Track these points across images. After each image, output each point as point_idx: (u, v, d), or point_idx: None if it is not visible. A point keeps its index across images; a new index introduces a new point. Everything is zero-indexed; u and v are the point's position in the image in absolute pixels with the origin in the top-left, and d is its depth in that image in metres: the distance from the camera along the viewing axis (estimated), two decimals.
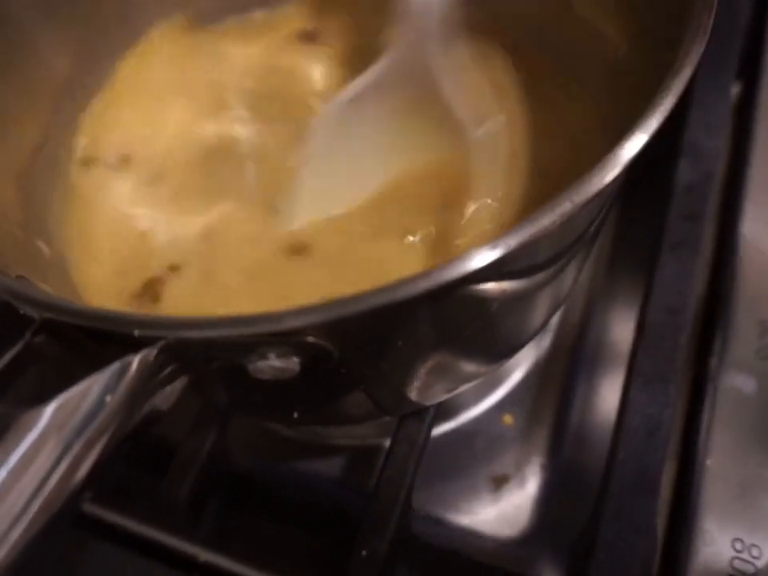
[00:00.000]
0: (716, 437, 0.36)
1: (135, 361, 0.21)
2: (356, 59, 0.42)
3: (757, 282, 0.39)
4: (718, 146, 0.41)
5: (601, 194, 0.22)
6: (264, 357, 0.23)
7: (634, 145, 0.23)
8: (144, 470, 0.40)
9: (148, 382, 0.22)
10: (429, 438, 0.36)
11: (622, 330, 0.45)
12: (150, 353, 0.22)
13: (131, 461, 0.40)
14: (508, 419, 0.44)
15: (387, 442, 0.42)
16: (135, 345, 0.22)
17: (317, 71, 0.43)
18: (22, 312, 0.23)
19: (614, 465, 0.34)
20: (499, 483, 0.42)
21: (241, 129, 0.40)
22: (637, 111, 0.30)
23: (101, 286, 0.34)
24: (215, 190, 0.37)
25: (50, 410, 0.19)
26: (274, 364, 0.23)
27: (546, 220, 0.21)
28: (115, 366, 0.21)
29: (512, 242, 0.21)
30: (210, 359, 0.23)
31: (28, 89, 0.37)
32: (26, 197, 0.35)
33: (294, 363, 0.24)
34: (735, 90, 0.48)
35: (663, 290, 0.36)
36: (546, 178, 0.36)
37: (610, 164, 0.23)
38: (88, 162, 0.39)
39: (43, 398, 0.20)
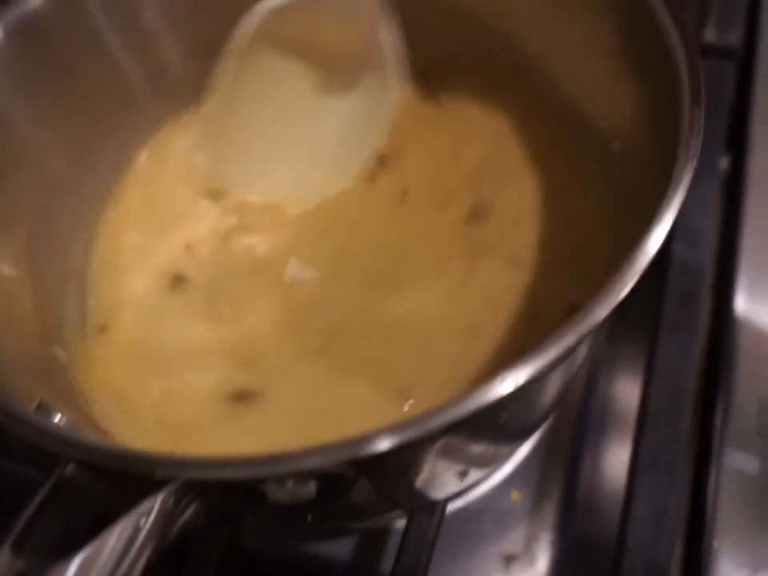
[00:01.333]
0: (722, 518, 0.36)
1: (157, 502, 0.22)
2: None
3: (754, 359, 0.40)
4: (711, 226, 0.42)
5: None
6: (282, 485, 0.24)
7: (644, 258, 0.24)
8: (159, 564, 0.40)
9: (169, 518, 0.23)
10: (440, 530, 0.37)
11: (625, 399, 0.46)
12: (170, 490, 0.22)
13: None
14: (516, 496, 0.44)
15: (397, 524, 0.43)
16: (156, 482, 0.22)
17: None
18: None
19: (623, 554, 0.34)
20: (509, 561, 0.43)
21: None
22: (635, 201, 0.31)
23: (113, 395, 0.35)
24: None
25: (74, 565, 0.20)
26: (291, 491, 0.24)
27: (571, 339, 0.22)
28: (137, 511, 0.22)
29: (533, 368, 0.22)
30: (229, 490, 0.24)
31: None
32: (42, 302, 0.36)
33: (310, 487, 0.24)
34: (724, 163, 0.49)
35: (663, 374, 0.37)
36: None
37: (624, 280, 0.23)
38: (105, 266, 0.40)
39: (67, 550, 0.21)
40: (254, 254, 0.42)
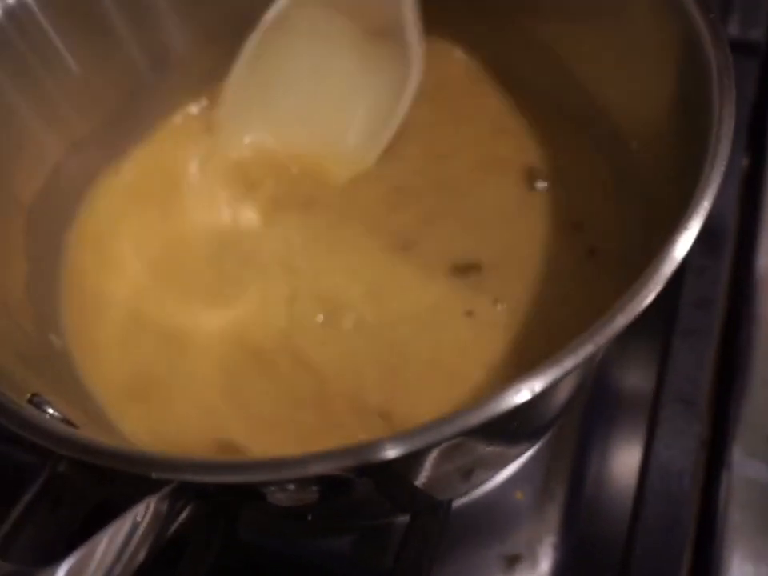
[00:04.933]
0: (732, 528, 0.36)
1: (152, 504, 0.21)
2: None
3: None
4: (729, 228, 0.41)
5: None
6: (283, 489, 0.23)
7: (669, 264, 0.23)
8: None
9: (164, 521, 0.22)
10: (443, 532, 0.36)
11: (634, 401, 0.45)
12: (166, 492, 0.21)
13: None
14: (520, 495, 0.43)
15: (399, 519, 0.42)
16: (151, 483, 0.21)
17: None
18: None
19: (630, 564, 0.33)
20: (511, 563, 0.42)
21: (251, 216, 0.40)
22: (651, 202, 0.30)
23: (107, 381, 0.34)
24: (229, 284, 0.37)
25: (62, 571, 0.19)
26: (293, 495, 0.23)
27: (590, 348, 0.21)
28: (130, 513, 0.21)
29: (549, 377, 0.20)
30: (228, 492, 0.23)
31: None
32: (35, 289, 0.35)
33: (313, 492, 0.23)
34: (744, 161, 0.48)
35: (676, 380, 0.36)
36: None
37: (648, 287, 0.22)
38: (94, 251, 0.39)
39: (55, 553, 0.20)
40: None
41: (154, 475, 0.21)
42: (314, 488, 0.23)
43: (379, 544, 0.41)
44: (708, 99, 0.26)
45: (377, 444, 0.20)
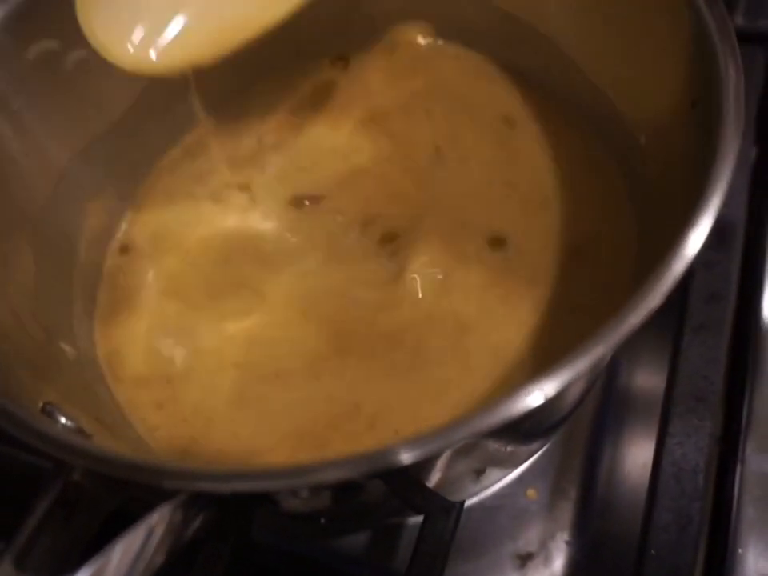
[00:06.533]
0: (746, 523, 0.35)
1: (165, 513, 0.21)
2: None
3: None
4: (739, 222, 0.40)
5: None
6: (296, 495, 0.23)
7: (680, 263, 0.22)
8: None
9: (179, 529, 0.22)
10: (456, 534, 0.36)
11: (646, 396, 0.44)
12: (179, 500, 0.21)
13: None
14: (532, 493, 0.43)
15: (410, 520, 0.42)
16: (165, 492, 0.21)
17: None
18: None
19: (644, 562, 0.33)
20: (525, 561, 0.42)
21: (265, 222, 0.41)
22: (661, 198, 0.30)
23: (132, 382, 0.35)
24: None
25: None
26: (308, 501, 0.23)
27: (601, 349, 0.21)
28: (144, 522, 0.21)
29: (563, 379, 0.20)
30: (242, 500, 0.23)
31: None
32: (46, 298, 0.35)
33: (326, 496, 0.23)
34: (752, 154, 0.47)
35: (688, 376, 0.36)
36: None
37: (658, 287, 0.22)
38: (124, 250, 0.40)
39: (71, 564, 0.20)
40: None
41: (166, 485, 0.21)
42: (327, 493, 0.23)
43: (392, 545, 0.41)
44: (716, 90, 0.26)
45: (390, 450, 0.20)
